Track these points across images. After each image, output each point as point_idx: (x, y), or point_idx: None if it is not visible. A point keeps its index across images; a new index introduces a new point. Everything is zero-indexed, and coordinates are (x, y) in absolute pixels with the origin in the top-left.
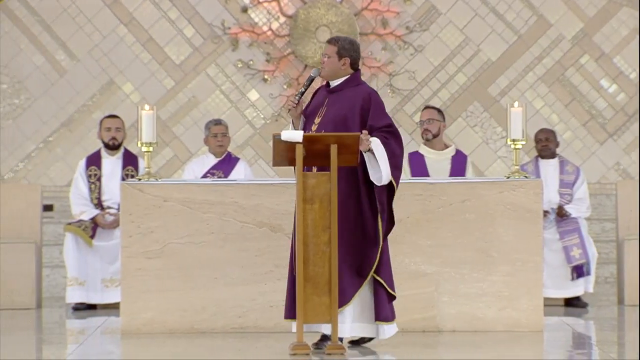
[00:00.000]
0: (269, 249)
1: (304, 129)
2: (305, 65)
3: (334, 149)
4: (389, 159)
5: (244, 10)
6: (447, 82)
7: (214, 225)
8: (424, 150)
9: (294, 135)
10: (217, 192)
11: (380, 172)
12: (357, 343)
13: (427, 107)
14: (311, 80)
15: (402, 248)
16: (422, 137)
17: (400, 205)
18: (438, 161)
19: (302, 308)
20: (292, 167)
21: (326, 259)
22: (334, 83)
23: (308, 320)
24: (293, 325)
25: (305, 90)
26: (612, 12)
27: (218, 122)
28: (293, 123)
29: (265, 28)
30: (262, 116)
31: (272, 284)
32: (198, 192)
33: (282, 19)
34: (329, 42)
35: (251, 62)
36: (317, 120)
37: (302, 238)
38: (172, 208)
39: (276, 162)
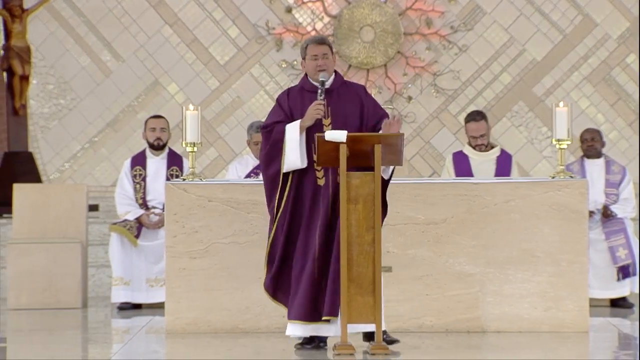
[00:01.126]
0: None
1: (307, 136)
2: (350, 65)
3: (378, 149)
4: None
5: (288, 10)
6: (491, 82)
7: (257, 225)
8: (468, 150)
9: (337, 135)
10: (261, 192)
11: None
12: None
13: (473, 119)
14: (323, 84)
15: (446, 248)
16: (474, 148)
17: (444, 206)
18: (483, 162)
19: (347, 308)
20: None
21: (370, 260)
22: (328, 83)
23: (352, 320)
24: (292, 327)
25: (324, 97)
26: None
27: (259, 130)
28: (300, 130)
29: (309, 28)
30: None
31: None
32: (242, 192)
33: (326, 19)
34: (322, 42)
35: (295, 63)
36: (325, 122)
37: (346, 238)
38: (216, 208)
39: (320, 162)
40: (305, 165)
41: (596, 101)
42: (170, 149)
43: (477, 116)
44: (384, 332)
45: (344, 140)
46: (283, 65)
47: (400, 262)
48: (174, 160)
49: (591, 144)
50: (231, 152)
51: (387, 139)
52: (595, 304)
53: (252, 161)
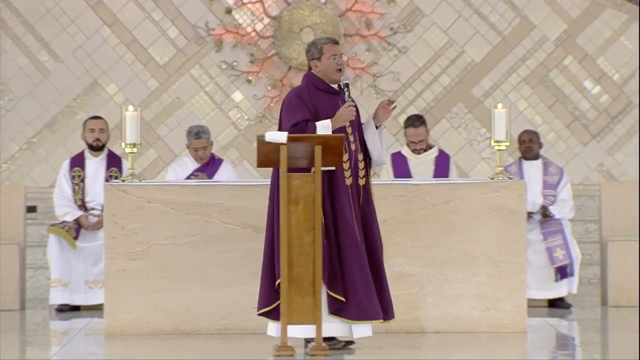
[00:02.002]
0: (253, 251)
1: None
2: (290, 67)
3: (318, 150)
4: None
5: (228, 11)
6: (431, 84)
7: (197, 227)
8: (406, 151)
9: (278, 136)
10: (201, 194)
11: (383, 152)
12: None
13: (412, 125)
14: (348, 85)
15: (386, 249)
16: (412, 151)
17: (383, 207)
18: (421, 163)
19: (287, 309)
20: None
21: (310, 261)
22: (335, 83)
23: (292, 321)
24: (365, 328)
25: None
26: (595, 13)
27: (198, 136)
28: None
29: (249, 29)
30: (246, 117)
31: (256, 285)
32: (182, 193)
33: (266, 20)
34: (338, 42)
35: (235, 64)
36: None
37: (286, 239)
38: (155, 209)
39: (260, 164)
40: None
41: (534, 103)
42: (109, 150)
43: (416, 122)
44: (333, 338)
45: (285, 142)
46: (223, 67)
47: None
48: (113, 161)
49: (529, 146)
50: (171, 153)
51: (328, 141)
52: (533, 305)
53: (191, 164)
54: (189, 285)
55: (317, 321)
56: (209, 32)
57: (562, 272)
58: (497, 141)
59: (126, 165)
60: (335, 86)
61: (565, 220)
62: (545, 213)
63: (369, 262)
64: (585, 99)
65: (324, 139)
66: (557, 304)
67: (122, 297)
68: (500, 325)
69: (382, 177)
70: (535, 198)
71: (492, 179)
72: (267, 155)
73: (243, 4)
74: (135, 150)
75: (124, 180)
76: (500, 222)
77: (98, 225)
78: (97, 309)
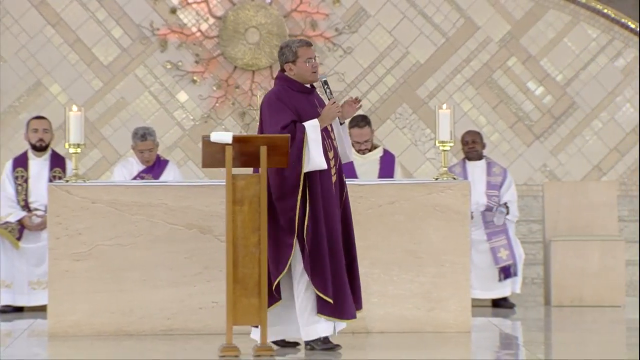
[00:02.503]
0: (198, 251)
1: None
2: (235, 67)
3: (263, 150)
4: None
5: (173, 11)
6: (376, 84)
7: (142, 227)
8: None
9: (223, 136)
10: (146, 194)
11: (349, 149)
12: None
13: (357, 125)
14: (327, 82)
15: None
16: (357, 152)
17: None
18: (366, 163)
19: (232, 310)
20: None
21: (255, 261)
22: (309, 84)
23: (237, 321)
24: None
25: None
26: (538, 14)
27: (144, 138)
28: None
29: (194, 29)
30: (191, 117)
31: (202, 285)
32: (126, 193)
33: (212, 20)
34: (311, 44)
35: (180, 64)
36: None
37: (231, 239)
38: (100, 210)
39: (205, 164)
40: (326, 166)
41: (478, 104)
42: (53, 150)
43: (360, 122)
44: (326, 338)
45: (230, 142)
46: (168, 67)
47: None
48: (57, 162)
49: (472, 146)
50: (115, 153)
51: (274, 141)
52: (477, 305)
53: (136, 165)
54: (133, 286)
55: (262, 322)
56: (154, 32)
57: (506, 272)
58: (442, 142)
59: (70, 165)
60: (308, 85)
61: (509, 220)
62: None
63: (345, 257)
64: (528, 100)
65: (269, 139)
66: (500, 304)
67: (66, 298)
68: (445, 325)
69: None
70: (479, 198)
71: (436, 179)
72: (212, 156)
73: (188, 4)
74: (79, 150)
75: (67, 181)
76: (445, 223)
77: (42, 226)
78: (40, 310)
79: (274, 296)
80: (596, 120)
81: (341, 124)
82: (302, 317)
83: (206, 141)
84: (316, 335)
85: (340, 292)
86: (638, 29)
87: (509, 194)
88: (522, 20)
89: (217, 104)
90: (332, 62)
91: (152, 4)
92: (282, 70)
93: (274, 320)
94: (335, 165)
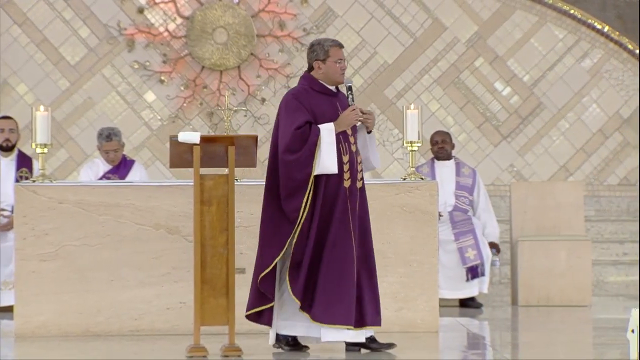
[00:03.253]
0: (166, 252)
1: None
2: (203, 67)
3: (231, 150)
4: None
5: (140, 11)
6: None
7: (109, 228)
8: None
9: (191, 136)
10: (113, 194)
11: (374, 156)
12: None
13: None
14: (352, 89)
15: None
16: None
17: None
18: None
19: (200, 310)
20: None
21: (223, 262)
22: (333, 86)
23: (205, 322)
24: (332, 332)
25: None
26: (505, 15)
27: (109, 138)
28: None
29: (161, 29)
30: (158, 117)
31: (169, 286)
32: (93, 194)
33: (179, 20)
34: (342, 46)
35: (148, 64)
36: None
37: (199, 240)
38: (67, 210)
39: (173, 164)
40: (337, 170)
41: (446, 104)
42: (19, 151)
43: None
44: (373, 338)
45: (197, 142)
46: (135, 66)
47: (254, 264)
48: (24, 162)
49: (442, 147)
50: (82, 153)
51: (241, 141)
52: (444, 304)
53: (102, 165)
54: (100, 286)
55: (230, 322)
56: (121, 32)
57: (473, 272)
58: (410, 142)
59: (37, 165)
60: (332, 88)
61: (476, 220)
62: (497, 248)
63: (363, 264)
64: (496, 100)
65: (236, 140)
66: (468, 304)
67: (33, 298)
68: (413, 325)
69: None
70: (447, 198)
71: (404, 179)
72: (180, 156)
73: (155, 3)
74: (46, 150)
75: (34, 181)
76: (413, 223)
77: (8, 227)
78: (7, 310)
79: (265, 296)
80: (563, 121)
81: (369, 132)
82: (281, 310)
83: (174, 141)
84: (292, 332)
85: (323, 296)
86: (604, 30)
87: (483, 202)
88: (489, 20)
89: (184, 104)
90: (300, 62)
91: (119, 3)
92: (310, 68)
93: (285, 315)
94: (350, 169)
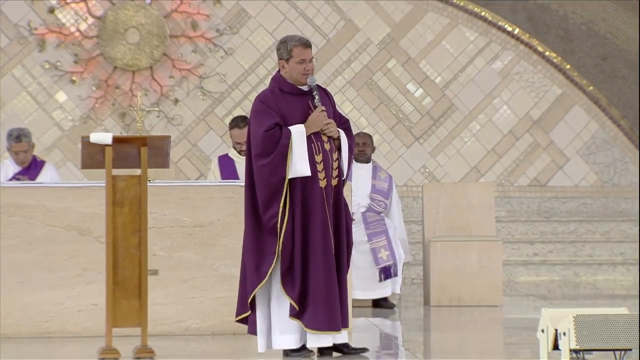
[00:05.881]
0: (78, 253)
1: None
2: (115, 67)
3: (144, 151)
4: (349, 152)
5: (51, 10)
6: (257, 85)
7: (20, 229)
8: (233, 154)
9: (103, 137)
10: (24, 195)
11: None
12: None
13: (237, 126)
14: (316, 89)
15: (212, 251)
16: (239, 152)
17: (211, 209)
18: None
19: (112, 312)
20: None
21: (136, 263)
22: (306, 86)
23: (117, 324)
24: (315, 338)
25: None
26: (417, 17)
27: (18, 139)
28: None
29: (73, 29)
30: (70, 118)
31: (81, 287)
32: (3, 195)
33: (91, 20)
34: (309, 45)
35: (59, 64)
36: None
37: (111, 241)
38: None
39: (85, 165)
40: (310, 173)
41: (359, 105)
42: None
43: (240, 122)
44: (346, 345)
45: (110, 143)
46: (46, 67)
47: (167, 265)
48: None
49: (363, 149)
50: None
51: (154, 142)
52: (357, 305)
53: (12, 166)
54: (10, 288)
55: (142, 324)
56: (32, 32)
57: (386, 273)
58: None
59: None
60: (304, 87)
61: (389, 221)
62: None
63: (337, 263)
64: (408, 102)
65: (149, 140)
66: (381, 304)
67: None
68: None
69: (209, 179)
70: (360, 200)
71: None
72: (91, 157)
73: (66, 3)
74: None
75: None
76: None
77: None
78: None
79: (246, 307)
80: (474, 122)
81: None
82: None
83: (85, 142)
84: (284, 346)
85: (315, 302)
86: (515, 32)
87: (395, 207)
88: (401, 22)
89: (96, 105)
90: (213, 63)
91: (30, 3)
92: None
93: (294, 327)
94: (324, 168)
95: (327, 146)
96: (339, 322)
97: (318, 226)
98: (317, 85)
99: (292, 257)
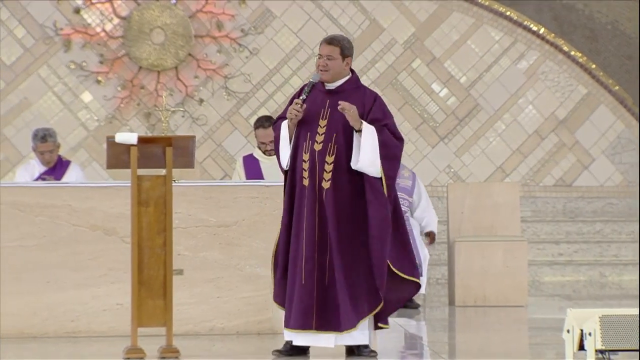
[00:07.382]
0: (103, 253)
1: (299, 134)
2: (140, 67)
3: (169, 151)
4: (380, 147)
5: (77, 11)
6: (282, 86)
7: (45, 229)
8: (258, 154)
9: (128, 137)
10: (49, 195)
11: (355, 157)
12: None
13: (262, 126)
14: (312, 86)
15: (237, 251)
16: (264, 153)
17: (235, 208)
18: (273, 165)
19: (137, 312)
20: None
21: (161, 263)
22: (333, 85)
23: (142, 323)
24: (287, 334)
25: (307, 97)
26: (442, 17)
27: (44, 139)
28: (289, 129)
29: (98, 29)
30: (95, 118)
31: (106, 287)
32: (29, 194)
33: (116, 20)
34: (330, 42)
35: (84, 64)
36: (322, 122)
37: (136, 241)
38: (2, 211)
39: (110, 165)
40: (285, 167)
41: None
42: None
43: (265, 122)
44: (366, 346)
45: (135, 143)
46: (72, 67)
47: (192, 265)
48: None
49: None
50: (18, 154)
51: (179, 142)
52: None
53: (38, 166)
54: (36, 288)
55: (167, 324)
56: (57, 32)
57: None
58: None
59: None
60: (332, 85)
61: (414, 221)
62: (432, 237)
63: (329, 270)
64: (433, 102)
65: (174, 141)
66: (405, 304)
67: None
68: None
69: (234, 179)
70: None
71: None
72: (117, 157)
73: (92, 3)
74: None
75: None
76: None
77: None
78: None
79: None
80: (499, 122)
81: (357, 131)
82: None
83: (111, 142)
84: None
85: (291, 300)
86: (540, 32)
87: (424, 202)
88: (426, 22)
89: (121, 105)
90: (238, 63)
91: (56, 3)
92: None
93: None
94: (309, 168)
95: (317, 147)
96: (311, 321)
97: (298, 225)
98: (359, 86)
99: (285, 256)
